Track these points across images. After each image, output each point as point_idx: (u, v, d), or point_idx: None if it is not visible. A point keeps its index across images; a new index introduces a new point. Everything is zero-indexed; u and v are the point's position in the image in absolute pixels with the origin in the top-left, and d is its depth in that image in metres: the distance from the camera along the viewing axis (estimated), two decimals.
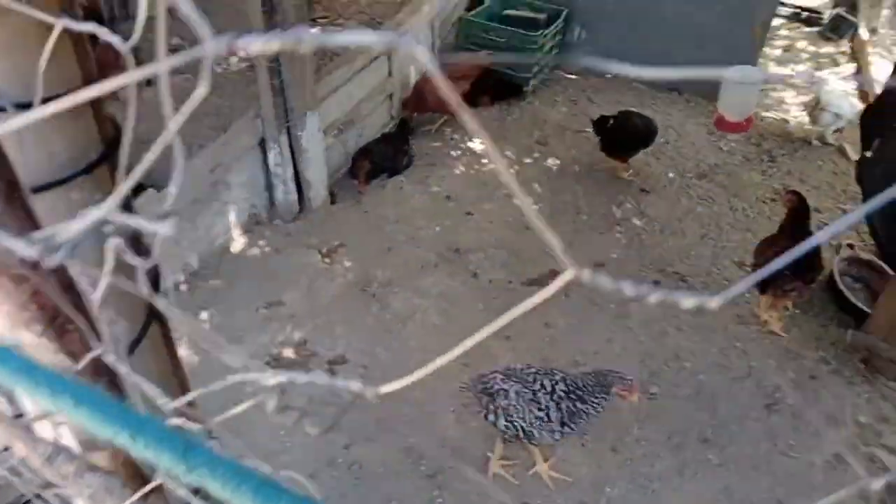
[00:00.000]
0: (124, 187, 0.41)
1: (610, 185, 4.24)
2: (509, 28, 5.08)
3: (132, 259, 0.49)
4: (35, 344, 0.64)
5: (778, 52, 5.66)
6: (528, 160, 4.47)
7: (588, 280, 0.43)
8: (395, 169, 4.35)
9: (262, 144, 3.81)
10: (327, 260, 3.66)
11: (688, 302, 0.36)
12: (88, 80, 0.92)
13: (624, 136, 4.14)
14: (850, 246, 3.58)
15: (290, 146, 3.86)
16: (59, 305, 0.65)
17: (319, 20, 4.92)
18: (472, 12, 5.36)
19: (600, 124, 4.21)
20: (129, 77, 0.37)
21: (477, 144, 4.63)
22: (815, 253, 3.19)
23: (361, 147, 4.37)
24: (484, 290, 3.54)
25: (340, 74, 4.17)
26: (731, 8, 4.80)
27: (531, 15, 5.28)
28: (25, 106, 0.76)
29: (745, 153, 4.50)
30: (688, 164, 4.41)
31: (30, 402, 0.77)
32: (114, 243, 0.50)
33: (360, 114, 4.44)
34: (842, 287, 3.35)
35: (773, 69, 5.42)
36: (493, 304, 3.45)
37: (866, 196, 2.75)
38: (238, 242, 3.74)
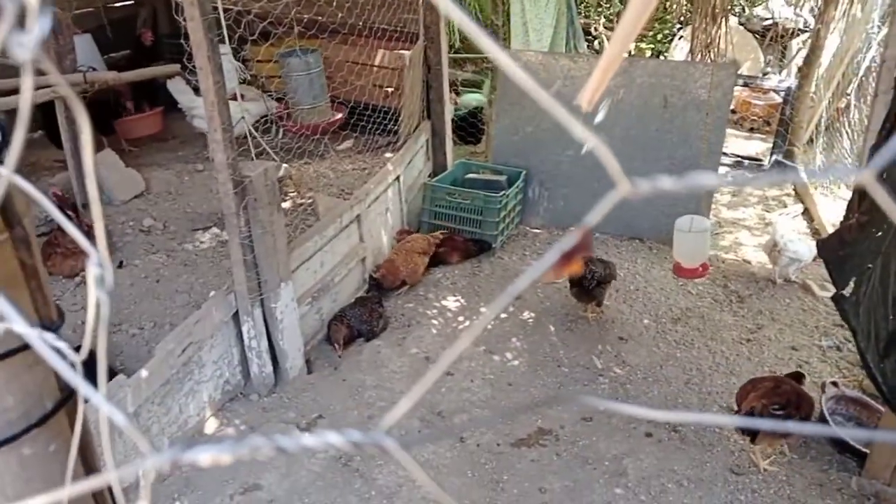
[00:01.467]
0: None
1: (587, 334, 4.25)
2: (472, 190, 5.32)
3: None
4: None
5: (727, 197, 6.00)
6: (503, 314, 4.48)
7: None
8: (372, 332, 4.30)
9: (236, 318, 3.76)
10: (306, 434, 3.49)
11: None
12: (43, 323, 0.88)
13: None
14: (835, 384, 3.57)
15: (265, 318, 3.81)
16: None
17: (290, 194, 5.09)
18: (437, 178, 5.63)
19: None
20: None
21: (451, 302, 4.66)
22: (799, 392, 3.17)
23: (336, 313, 4.36)
24: (472, 455, 3.38)
25: (312, 244, 4.24)
26: (677, 162, 5.15)
27: (492, 178, 5.56)
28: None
29: (714, 295, 4.61)
30: (660, 309, 4.47)
31: None
32: None
33: (333, 280, 4.46)
34: (835, 428, 3.29)
35: (725, 213, 5.72)
36: (483, 470, 3.28)
37: (856, 334, 2.78)
38: (212, 423, 3.56)
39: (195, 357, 3.50)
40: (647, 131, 5.22)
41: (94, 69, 5.24)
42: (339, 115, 5.82)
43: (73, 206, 4.23)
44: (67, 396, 0.79)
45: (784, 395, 3.08)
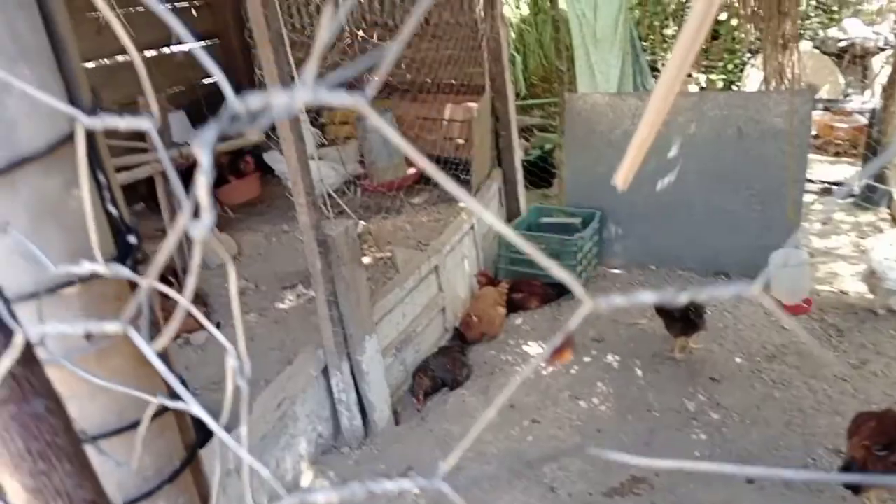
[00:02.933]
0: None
1: (676, 376, 4.13)
2: (547, 234, 5.33)
3: None
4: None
5: (817, 225, 5.76)
6: (587, 358, 4.43)
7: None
8: (456, 381, 4.34)
9: (325, 373, 3.88)
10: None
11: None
12: (173, 398, 0.97)
13: (678, 313, 4.13)
14: None
15: (352, 371, 3.92)
16: None
17: (370, 249, 5.26)
18: (511, 223, 5.69)
19: (659, 307, 4.22)
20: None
21: (534, 348, 4.64)
22: None
23: (420, 363, 4.42)
24: None
25: (393, 297, 4.35)
26: (758, 192, 5.00)
27: (567, 220, 5.57)
28: (118, 431, 0.81)
29: (811, 330, 4.39)
30: (752, 346, 4.30)
31: None
32: None
33: (415, 331, 4.55)
34: None
35: (816, 243, 5.48)
36: None
37: None
38: (307, 476, 3.66)
39: (289, 412, 3.63)
40: (723, 164, 5.11)
41: (188, 144, 5.64)
42: (414, 170, 6.01)
43: (173, 271, 4.53)
44: (192, 456, 0.87)
45: (886, 434, 2.88)
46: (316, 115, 5.39)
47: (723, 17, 8.28)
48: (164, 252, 0.50)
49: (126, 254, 0.77)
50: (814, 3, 8.14)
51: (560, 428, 3.86)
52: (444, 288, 4.87)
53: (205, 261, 5.13)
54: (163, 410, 0.79)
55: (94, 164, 0.73)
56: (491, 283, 5.27)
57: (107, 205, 0.73)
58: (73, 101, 0.71)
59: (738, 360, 4.20)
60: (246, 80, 7.42)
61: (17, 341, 0.46)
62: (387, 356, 4.18)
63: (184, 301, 0.57)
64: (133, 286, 0.77)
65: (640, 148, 0.64)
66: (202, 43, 7.32)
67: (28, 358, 0.49)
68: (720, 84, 8.34)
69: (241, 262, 5.18)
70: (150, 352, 0.56)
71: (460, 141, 5.96)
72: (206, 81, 7.60)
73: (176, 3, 7.16)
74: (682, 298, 0.47)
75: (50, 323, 0.63)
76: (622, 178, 0.64)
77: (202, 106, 7.06)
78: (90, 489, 0.54)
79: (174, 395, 0.87)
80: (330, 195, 4.75)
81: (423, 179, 5.97)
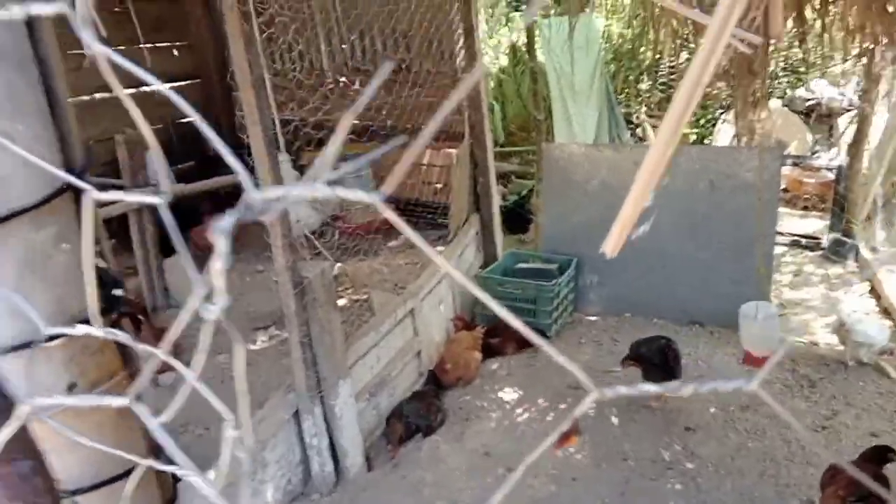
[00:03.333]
0: None
1: (652, 425, 4.11)
2: (524, 280, 5.35)
3: None
4: None
5: (788, 276, 5.87)
6: (562, 405, 4.40)
7: None
8: (430, 427, 4.26)
9: (296, 417, 3.79)
10: None
11: None
12: (152, 451, 0.96)
13: (658, 358, 4.15)
14: None
15: (325, 416, 3.84)
16: None
17: (346, 291, 5.23)
18: (487, 269, 5.71)
19: (634, 356, 4.23)
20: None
21: (509, 394, 4.60)
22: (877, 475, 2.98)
23: (394, 408, 4.35)
24: None
25: (369, 340, 4.30)
26: (730, 245, 5.10)
27: (543, 266, 5.60)
28: (96, 486, 0.78)
29: (783, 380, 4.43)
30: (727, 397, 4.31)
31: None
32: None
33: (389, 375, 4.49)
34: None
35: (788, 294, 5.58)
36: None
37: None
38: None
39: (258, 457, 3.53)
40: (695, 216, 5.21)
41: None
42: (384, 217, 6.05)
43: (143, 309, 4.44)
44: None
45: (861, 485, 2.89)
46: (295, 157, 5.42)
47: None
48: (176, 328, 0.50)
49: (112, 306, 0.75)
50: (783, 63, 8.48)
51: (535, 476, 3.80)
52: (419, 332, 4.84)
53: (177, 300, 5.05)
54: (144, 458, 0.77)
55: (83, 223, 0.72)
56: (467, 328, 5.25)
57: (94, 260, 0.72)
58: (66, 154, 0.70)
59: (712, 409, 4.21)
60: (225, 119, 7.46)
61: (21, 413, 0.44)
62: (360, 400, 4.11)
63: (159, 353, 0.56)
64: (117, 343, 0.76)
65: (626, 223, 0.65)
66: (182, 83, 7.36)
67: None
68: (692, 138, 8.58)
69: (213, 301, 5.09)
70: (157, 427, 0.54)
71: (439, 186, 6.02)
72: (184, 120, 7.61)
73: (158, 44, 7.21)
74: (686, 391, 0.48)
75: (42, 387, 0.61)
76: (612, 245, 0.65)
77: (181, 144, 7.05)
78: None
79: (154, 451, 0.85)
80: (307, 237, 4.73)
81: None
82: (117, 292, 0.74)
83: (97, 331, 0.67)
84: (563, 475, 3.79)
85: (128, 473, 0.80)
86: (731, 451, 3.85)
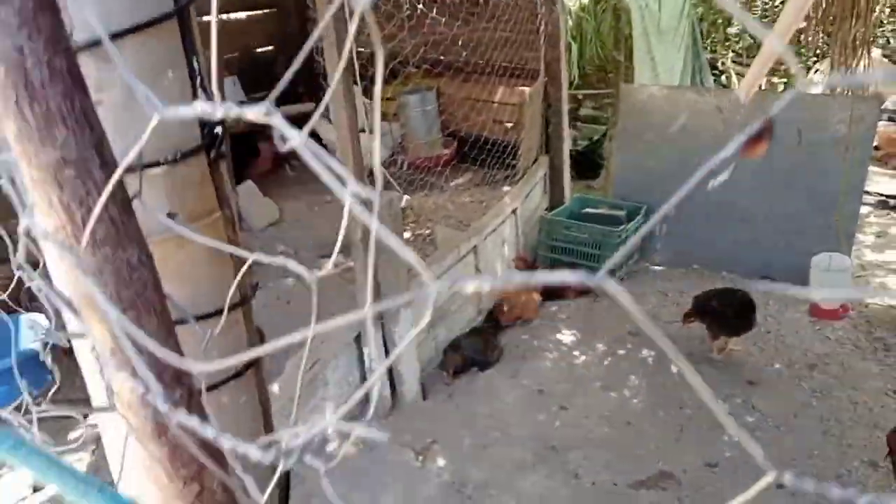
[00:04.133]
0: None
1: (712, 377, 4.04)
2: (590, 224, 5.26)
3: None
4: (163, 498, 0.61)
5: (871, 237, 5.57)
6: (621, 351, 4.37)
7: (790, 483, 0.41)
8: (486, 362, 4.33)
9: (358, 341, 3.91)
10: (421, 458, 3.54)
11: None
12: (244, 296, 1.00)
13: (732, 312, 4.04)
14: None
15: (384, 342, 3.94)
16: (199, 463, 0.63)
17: (411, 224, 5.27)
18: (553, 211, 5.63)
19: (702, 308, 4.14)
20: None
21: (567, 336, 4.60)
22: None
23: (452, 341, 4.42)
24: (587, 493, 3.29)
25: (433, 271, 4.35)
26: (815, 198, 4.85)
27: (610, 212, 5.48)
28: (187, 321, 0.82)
29: (856, 342, 4.25)
30: (794, 353, 4.19)
31: None
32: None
33: (449, 309, 4.55)
34: None
35: (869, 255, 5.30)
36: None
37: None
38: (333, 440, 3.69)
39: (320, 375, 3.67)
40: (778, 167, 4.96)
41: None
42: (447, 151, 6.02)
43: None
44: (255, 360, 0.89)
45: None
46: (367, 85, 5.40)
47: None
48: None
49: (212, 143, 0.77)
50: (888, 9, 7.82)
51: (588, 417, 3.82)
52: (481, 269, 4.86)
53: (248, 224, 5.20)
54: (232, 307, 0.80)
55: (189, 50, 0.73)
56: (529, 268, 5.24)
57: (197, 91, 0.74)
58: None
59: (777, 365, 4.10)
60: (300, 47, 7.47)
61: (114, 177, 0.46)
62: (419, 331, 4.20)
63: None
64: (214, 176, 0.78)
65: (765, 62, 0.61)
66: (258, 12, 7.39)
67: (127, 208, 0.49)
68: (781, 88, 8.09)
69: (281, 228, 5.24)
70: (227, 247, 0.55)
71: (509, 124, 5.91)
72: (259, 50, 7.68)
73: None
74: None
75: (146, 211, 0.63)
76: (745, 89, 0.62)
77: (255, 73, 7.13)
78: (174, 348, 0.54)
79: (243, 299, 0.88)
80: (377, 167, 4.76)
81: (467, 159, 5.94)
82: (218, 130, 0.76)
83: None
84: (617, 417, 3.80)
85: (218, 313, 0.84)
86: (794, 408, 3.76)
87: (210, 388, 0.84)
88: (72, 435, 3.35)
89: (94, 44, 0.63)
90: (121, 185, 0.50)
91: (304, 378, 3.57)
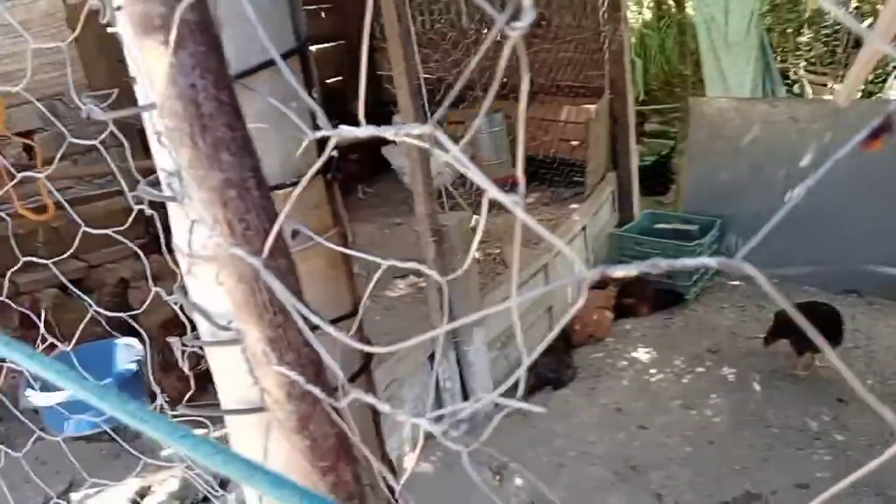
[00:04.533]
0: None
1: (798, 394, 3.89)
2: (662, 239, 5.18)
3: None
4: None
5: None
6: (700, 369, 4.27)
7: None
8: (560, 381, 4.30)
9: (432, 360, 3.97)
10: (498, 477, 3.55)
11: None
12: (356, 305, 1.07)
13: (820, 327, 3.89)
14: None
15: (458, 361, 3.99)
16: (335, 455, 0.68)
17: (481, 244, 5.32)
18: (625, 227, 5.58)
19: (786, 322, 4.00)
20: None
21: (643, 354, 4.53)
22: None
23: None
24: None
25: (503, 290, 4.38)
26: None
27: (683, 227, 5.38)
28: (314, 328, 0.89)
29: None
30: (888, 370, 3.99)
31: None
32: None
33: (522, 327, 4.55)
34: None
35: None
36: None
37: None
38: (410, 458, 3.75)
39: (397, 394, 3.74)
40: (865, 176, 4.72)
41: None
42: (516, 172, 6.06)
43: None
44: (367, 364, 0.95)
45: None
46: (433, 111, 5.54)
47: (867, 23, 7.72)
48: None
49: (328, 165, 0.85)
50: None
51: (669, 436, 3.74)
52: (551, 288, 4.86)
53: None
54: (346, 316, 0.87)
55: (308, 84, 0.81)
56: (600, 286, 5.19)
57: (316, 122, 0.81)
58: (294, 20, 0.79)
59: (869, 381, 3.91)
60: (368, 80, 7.72)
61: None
62: (492, 349, 4.22)
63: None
64: (330, 202, 0.85)
65: (867, 63, 0.63)
66: (328, 45, 7.69)
67: (274, 221, 0.56)
68: (857, 96, 7.79)
69: (353, 250, 5.39)
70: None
71: (575, 143, 5.91)
72: (329, 81, 7.96)
73: (305, 7, 7.56)
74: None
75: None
76: (845, 94, 0.64)
77: (327, 103, 7.39)
78: (313, 351, 0.60)
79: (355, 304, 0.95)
80: (447, 189, 4.85)
81: (536, 177, 5.97)
82: (334, 153, 0.83)
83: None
84: (698, 437, 3.70)
85: (336, 321, 0.90)
86: (888, 426, 3.56)
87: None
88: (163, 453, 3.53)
89: (238, 77, 0.71)
90: (271, 202, 0.57)
91: (382, 396, 3.65)
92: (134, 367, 3.46)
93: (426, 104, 4.80)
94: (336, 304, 0.91)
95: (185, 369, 0.96)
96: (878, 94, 7.78)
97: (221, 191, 0.53)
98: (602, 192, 5.71)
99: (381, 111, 7.10)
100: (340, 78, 8.12)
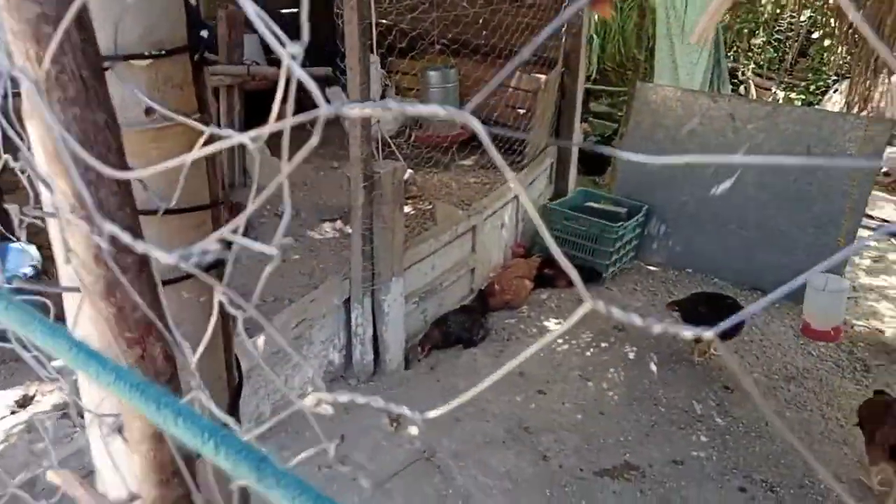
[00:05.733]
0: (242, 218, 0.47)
1: (690, 378, 4.09)
2: (590, 217, 5.29)
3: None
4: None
5: (868, 261, 5.59)
6: (604, 344, 4.42)
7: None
8: (471, 340, 4.38)
9: (347, 305, 3.96)
10: (395, 424, 3.60)
11: None
12: (214, 200, 1.04)
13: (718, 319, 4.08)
14: None
15: (373, 308, 3.99)
16: (143, 329, 0.67)
17: (413, 199, 5.30)
18: (556, 201, 5.66)
19: (689, 310, 4.18)
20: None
21: (553, 324, 4.64)
22: None
23: (440, 316, 4.47)
24: (553, 475, 3.35)
25: (427, 246, 4.39)
26: (815, 217, 4.86)
27: (612, 208, 5.51)
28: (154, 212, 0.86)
29: (836, 360, 4.29)
30: (774, 365, 4.23)
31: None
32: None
33: (441, 284, 4.59)
34: None
35: (864, 279, 5.32)
36: (562, 493, 3.24)
37: None
38: (310, 399, 3.75)
39: (306, 334, 3.73)
40: (785, 181, 4.97)
41: (258, 63, 5.74)
42: (463, 130, 6.03)
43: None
44: (219, 262, 0.92)
45: None
46: (383, 58, 5.41)
47: (816, 35, 7.98)
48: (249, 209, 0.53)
49: (197, 45, 0.81)
50: None
51: (563, 403, 3.88)
52: (477, 249, 4.90)
53: (255, 179, 5.24)
54: (201, 207, 0.84)
55: None
56: (525, 256, 5.28)
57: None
58: None
59: (756, 374, 4.14)
60: (323, 15, 7.47)
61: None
62: (409, 302, 4.24)
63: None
64: (197, 80, 0.82)
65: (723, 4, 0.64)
66: None
67: (98, 74, 0.52)
68: (798, 103, 8.08)
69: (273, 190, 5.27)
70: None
71: (522, 110, 5.92)
72: (286, 11, 7.67)
73: None
74: (689, 333, 0.45)
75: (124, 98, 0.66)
76: (697, 33, 0.65)
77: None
78: (130, 217, 0.58)
79: (215, 197, 0.92)
80: (385, 140, 4.78)
81: (473, 141, 5.96)
82: (203, 33, 0.79)
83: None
84: (591, 407, 3.85)
85: (193, 209, 0.88)
86: (766, 417, 3.80)
87: (168, 283, 0.88)
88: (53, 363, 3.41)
89: None
90: (96, 52, 0.54)
91: (290, 335, 3.62)
92: (30, 271, 3.32)
93: (374, 46, 4.68)
94: (192, 192, 0.88)
95: (22, 238, 0.91)
96: (817, 104, 8.09)
97: (36, 25, 0.50)
98: (540, 164, 5.76)
99: (336, 50, 6.92)
100: (296, 9, 7.82)
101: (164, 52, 0.75)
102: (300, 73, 0.42)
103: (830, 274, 4.49)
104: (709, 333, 0.41)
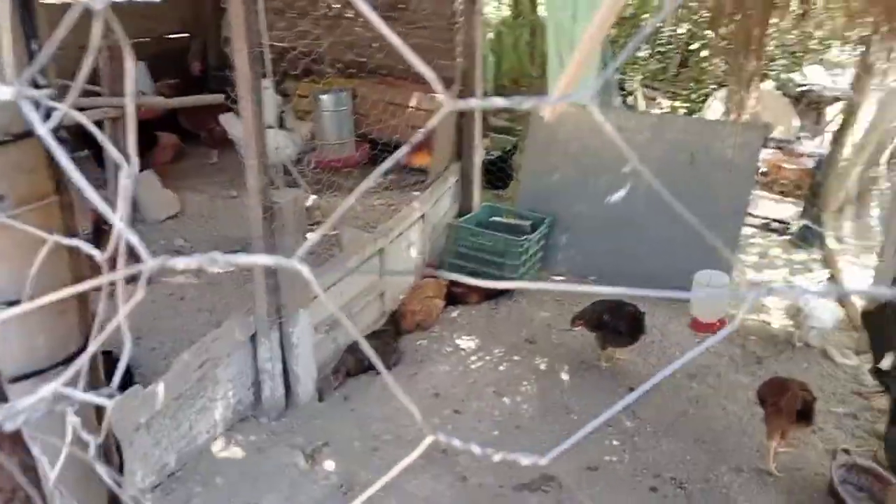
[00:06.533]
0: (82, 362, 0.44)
1: (599, 384, 4.23)
2: (495, 233, 5.38)
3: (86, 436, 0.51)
4: None
5: (753, 258, 5.97)
6: (516, 357, 4.50)
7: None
8: (385, 366, 4.34)
9: (253, 340, 3.84)
10: (310, 460, 3.52)
11: None
12: (78, 281, 0.98)
13: (625, 325, 4.23)
14: (846, 451, 3.48)
15: (281, 342, 3.89)
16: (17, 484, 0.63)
17: (317, 224, 5.22)
18: (462, 219, 5.72)
19: (593, 321, 4.31)
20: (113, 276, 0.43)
21: (466, 342, 4.68)
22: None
23: (350, 344, 4.41)
24: (472, 496, 3.36)
25: (334, 274, 4.33)
26: (701, 217, 5.12)
27: (516, 222, 5.63)
28: (14, 303, 0.81)
29: (731, 355, 4.55)
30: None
31: None
32: (73, 420, 0.52)
33: (350, 311, 4.53)
34: (845, 497, 3.21)
35: (750, 275, 5.68)
36: None
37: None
38: (220, 442, 3.61)
39: (210, 374, 3.58)
40: (673, 187, 5.14)
41: (145, 94, 5.51)
42: (357, 154, 6.05)
43: (106, 222, 4.41)
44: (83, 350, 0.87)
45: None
46: (279, 80, 5.33)
47: (694, 46, 8.49)
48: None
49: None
50: (781, 46, 8.42)
51: (480, 421, 3.91)
52: (385, 272, 4.87)
53: (143, 216, 5.01)
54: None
55: (28, 33, 0.72)
56: (434, 276, 5.30)
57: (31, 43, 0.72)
58: None
59: (659, 374, 4.32)
60: (213, 37, 7.28)
61: None
62: (319, 332, 4.16)
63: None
64: (50, 165, 0.76)
65: (581, 63, 0.66)
66: None
67: None
68: (682, 112, 8.56)
69: (181, 221, 5.08)
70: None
71: (422, 130, 5.96)
72: (171, 36, 7.42)
73: None
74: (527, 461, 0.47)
75: None
76: (560, 89, 0.66)
77: (166, 59, 6.89)
78: None
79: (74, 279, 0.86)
80: (285, 167, 4.70)
81: (376, 163, 5.96)
82: (56, 112, 0.75)
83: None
84: (507, 422, 3.90)
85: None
86: (671, 415, 3.97)
87: (32, 375, 0.82)
88: None
89: None
90: None
91: (193, 376, 3.47)
92: None
93: (267, 71, 4.59)
94: (50, 278, 0.82)
95: None
96: (700, 113, 8.60)
97: None
98: (444, 182, 5.81)
99: (226, 75, 6.74)
100: (186, 35, 7.58)
101: (10, 139, 0.70)
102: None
103: (713, 271, 4.81)
104: None
